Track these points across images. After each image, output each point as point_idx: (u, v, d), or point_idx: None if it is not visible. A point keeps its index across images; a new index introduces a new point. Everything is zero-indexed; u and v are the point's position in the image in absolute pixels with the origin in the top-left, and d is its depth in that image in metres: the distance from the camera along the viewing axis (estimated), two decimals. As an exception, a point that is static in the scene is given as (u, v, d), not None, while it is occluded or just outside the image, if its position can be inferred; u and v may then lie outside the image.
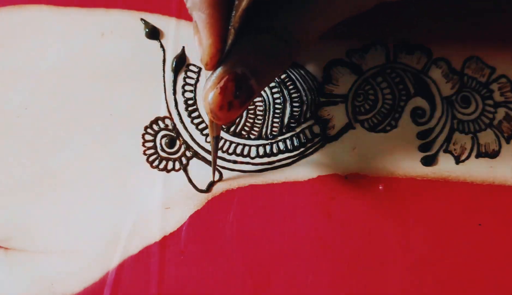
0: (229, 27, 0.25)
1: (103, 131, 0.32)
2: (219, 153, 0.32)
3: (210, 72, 0.26)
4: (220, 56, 0.25)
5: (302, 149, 0.32)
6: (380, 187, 0.31)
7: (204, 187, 0.31)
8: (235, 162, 0.32)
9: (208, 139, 0.32)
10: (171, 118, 0.33)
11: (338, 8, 0.27)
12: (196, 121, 0.32)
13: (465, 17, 0.34)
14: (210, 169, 0.31)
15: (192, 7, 0.25)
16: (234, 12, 0.25)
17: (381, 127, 0.32)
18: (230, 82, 0.25)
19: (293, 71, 0.33)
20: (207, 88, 0.25)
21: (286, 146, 0.32)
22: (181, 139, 0.32)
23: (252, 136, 0.32)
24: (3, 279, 0.30)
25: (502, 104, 0.33)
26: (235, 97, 0.25)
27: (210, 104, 0.25)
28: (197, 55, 0.33)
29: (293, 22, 0.26)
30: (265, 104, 0.33)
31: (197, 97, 0.33)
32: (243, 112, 0.28)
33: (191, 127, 0.32)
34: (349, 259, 0.30)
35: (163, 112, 0.33)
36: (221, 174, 0.32)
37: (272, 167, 0.32)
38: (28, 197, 0.31)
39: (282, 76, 0.33)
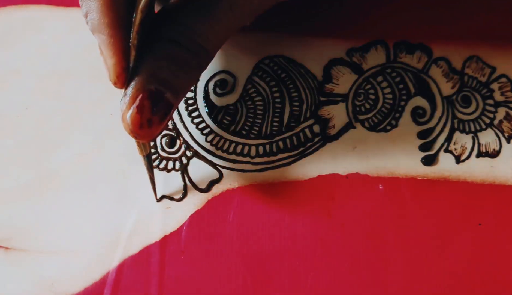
0: (129, 44, 0.25)
1: (103, 131, 0.32)
2: (219, 152, 0.32)
3: (123, 90, 0.26)
4: (127, 74, 0.25)
5: (302, 148, 0.32)
6: (380, 186, 0.31)
7: (204, 187, 0.31)
8: (235, 161, 0.32)
9: (208, 139, 0.32)
10: (171, 118, 0.33)
11: (241, 10, 0.27)
12: (196, 121, 0.32)
13: (465, 16, 0.34)
14: (210, 168, 0.31)
15: (93, 30, 0.25)
16: (132, 28, 0.25)
17: (382, 126, 0.32)
18: (146, 100, 0.25)
19: (292, 70, 0.33)
20: (124, 110, 0.25)
21: (286, 145, 0.32)
22: (181, 139, 0.32)
23: (252, 136, 0.32)
24: (4, 279, 0.30)
25: (503, 103, 0.33)
26: (153, 114, 0.25)
27: (129, 126, 0.25)
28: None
29: (200, 31, 0.26)
30: (264, 104, 0.33)
31: (197, 97, 0.33)
32: (165, 127, 0.27)
33: (191, 127, 0.32)
34: (349, 258, 0.30)
35: (163, 112, 0.33)
36: (221, 174, 0.32)
37: (272, 166, 0.32)
38: (29, 196, 0.31)
39: (282, 75, 0.33)
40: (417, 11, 0.34)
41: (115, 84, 0.25)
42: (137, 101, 0.25)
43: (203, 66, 0.27)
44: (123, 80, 0.25)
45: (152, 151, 0.32)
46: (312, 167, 0.32)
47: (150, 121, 0.25)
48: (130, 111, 0.25)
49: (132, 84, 0.25)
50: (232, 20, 0.27)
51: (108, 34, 0.25)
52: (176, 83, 0.26)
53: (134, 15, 0.24)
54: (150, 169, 0.30)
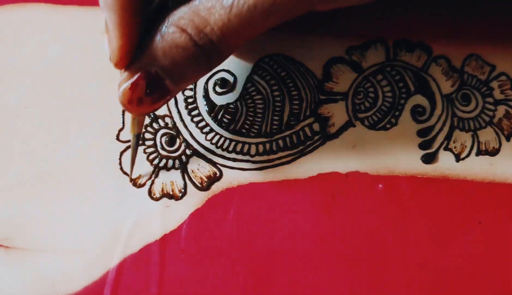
0: (138, 28, 0.25)
1: (103, 130, 0.32)
2: (219, 151, 0.32)
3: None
4: (129, 58, 0.25)
5: (302, 147, 0.32)
6: (380, 186, 0.31)
7: (204, 185, 0.31)
8: (234, 160, 0.32)
9: (208, 137, 0.32)
10: (171, 117, 0.32)
11: (267, 10, 0.24)
12: (196, 119, 0.32)
13: (465, 14, 0.34)
14: (210, 166, 0.31)
15: (104, 6, 0.25)
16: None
17: (382, 125, 0.32)
18: (142, 80, 0.25)
19: (292, 69, 0.33)
20: (121, 81, 0.25)
21: (286, 144, 0.32)
22: (181, 137, 0.32)
23: (252, 134, 0.32)
24: (4, 278, 0.30)
25: (502, 102, 0.33)
26: (146, 95, 0.25)
27: (120, 97, 0.25)
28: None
29: (214, 24, 0.24)
30: (264, 102, 0.33)
31: (196, 96, 0.33)
32: (159, 107, 0.27)
33: (191, 126, 0.32)
34: (349, 257, 0.30)
35: (163, 111, 0.33)
36: (221, 172, 0.31)
37: (272, 165, 0.32)
38: (29, 195, 0.31)
39: (282, 74, 0.33)
40: (417, 9, 0.34)
41: (116, 65, 0.25)
42: (134, 78, 0.25)
43: (212, 65, 0.26)
44: (124, 63, 0.25)
45: (152, 149, 0.32)
46: (312, 165, 0.32)
47: (140, 100, 0.25)
48: (125, 85, 0.25)
49: (135, 61, 0.25)
50: (255, 20, 0.24)
51: (119, 15, 0.24)
52: (177, 74, 0.25)
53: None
54: (135, 149, 0.30)
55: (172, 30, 0.25)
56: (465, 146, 0.32)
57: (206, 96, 0.33)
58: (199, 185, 0.31)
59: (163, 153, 0.32)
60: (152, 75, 0.25)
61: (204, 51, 0.25)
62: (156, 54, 0.25)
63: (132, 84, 0.25)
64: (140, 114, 0.27)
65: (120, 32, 0.24)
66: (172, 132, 0.32)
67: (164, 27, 0.25)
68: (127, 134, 0.32)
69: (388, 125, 0.32)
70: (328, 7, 0.27)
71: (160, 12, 0.25)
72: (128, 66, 0.25)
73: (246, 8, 0.24)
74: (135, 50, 0.25)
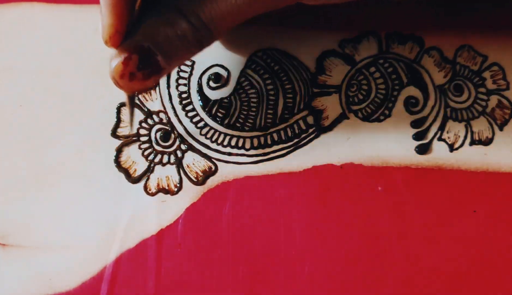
0: (130, 9, 0.25)
1: (98, 126, 0.32)
2: (214, 145, 0.32)
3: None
4: (120, 36, 0.25)
5: (296, 140, 0.32)
6: (379, 188, 0.31)
7: (199, 180, 0.31)
8: (229, 153, 0.32)
9: (203, 132, 0.32)
10: (165, 112, 0.33)
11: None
12: (190, 114, 0.33)
13: (456, 5, 0.34)
14: (205, 161, 0.32)
15: None
16: None
17: (375, 117, 0.32)
18: (134, 55, 0.25)
19: (285, 62, 0.33)
20: (113, 56, 0.26)
21: (280, 137, 0.32)
22: (175, 132, 0.32)
23: (246, 128, 0.32)
24: (1, 275, 0.30)
25: (495, 91, 0.33)
26: (138, 70, 0.25)
27: (112, 72, 0.25)
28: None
29: (205, 7, 0.26)
30: (258, 96, 0.33)
31: (191, 91, 0.33)
32: (153, 84, 0.28)
33: (186, 121, 0.32)
34: (345, 249, 0.30)
35: (157, 106, 0.33)
36: (216, 166, 0.32)
37: (267, 158, 0.32)
38: (25, 193, 0.31)
39: (275, 68, 0.33)
40: (408, 2, 0.34)
41: (106, 43, 0.26)
42: (127, 52, 0.25)
43: (203, 45, 0.27)
44: (115, 41, 0.25)
45: (147, 145, 0.32)
46: (307, 158, 0.32)
47: (132, 75, 0.25)
48: (117, 59, 0.25)
49: (128, 39, 0.26)
50: (241, 5, 0.26)
51: None
52: (170, 50, 0.26)
53: None
54: (131, 106, 0.30)
55: (167, 9, 0.26)
56: (459, 136, 0.32)
57: (200, 91, 0.33)
58: (194, 180, 0.31)
59: (158, 148, 0.32)
60: (145, 49, 0.25)
61: (196, 31, 0.26)
62: (150, 30, 0.26)
63: (125, 58, 0.25)
64: (131, 90, 0.27)
65: (110, 10, 0.25)
66: (167, 127, 0.32)
67: (159, 7, 0.26)
68: (122, 130, 0.32)
69: (381, 117, 0.33)
70: (313, 2, 0.28)
71: None
72: (121, 43, 0.26)
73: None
74: (130, 30, 0.26)
